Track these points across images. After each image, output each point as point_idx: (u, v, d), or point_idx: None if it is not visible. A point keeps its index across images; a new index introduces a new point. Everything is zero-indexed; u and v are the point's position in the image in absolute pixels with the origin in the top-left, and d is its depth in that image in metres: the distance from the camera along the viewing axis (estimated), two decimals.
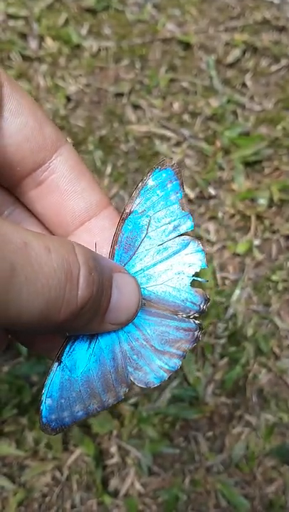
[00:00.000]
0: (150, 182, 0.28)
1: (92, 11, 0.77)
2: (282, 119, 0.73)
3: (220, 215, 0.67)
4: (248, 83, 0.76)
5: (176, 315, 0.28)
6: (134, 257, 0.28)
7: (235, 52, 0.77)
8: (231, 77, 0.76)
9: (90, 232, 0.27)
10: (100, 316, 0.23)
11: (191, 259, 0.28)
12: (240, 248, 0.65)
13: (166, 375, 0.27)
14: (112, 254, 0.28)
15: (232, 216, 0.67)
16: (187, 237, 0.29)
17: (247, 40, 0.78)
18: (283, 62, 0.77)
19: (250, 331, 0.61)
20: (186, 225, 0.28)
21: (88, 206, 0.27)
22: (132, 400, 0.56)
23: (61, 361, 0.26)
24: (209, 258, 0.65)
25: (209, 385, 0.58)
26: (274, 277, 0.64)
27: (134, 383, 0.27)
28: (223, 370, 0.59)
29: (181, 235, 0.29)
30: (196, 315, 0.28)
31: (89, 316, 0.22)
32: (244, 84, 0.76)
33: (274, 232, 0.67)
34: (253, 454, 0.56)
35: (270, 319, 0.62)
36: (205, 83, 0.74)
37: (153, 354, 0.27)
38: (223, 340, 0.60)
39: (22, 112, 0.24)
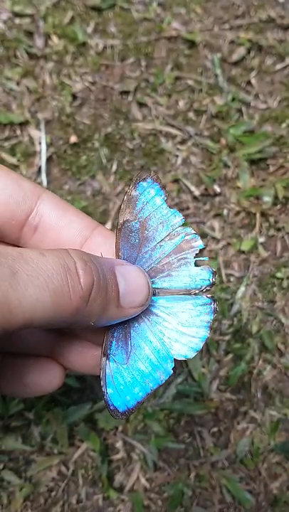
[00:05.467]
0: (134, 193, 0.31)
1: (97, 9, 0.78)
2: (286, 117, 0.73)
3: (225, 212, 0.67)
4: (253, 81, 0.76)
5: (190, 294, 0.31)
6: (138, 259, 0.31)
7: (240, 51, 0.77)
8: (236, 75, 0.76)
9: (89, 251, 0.31)
10: (113, 302, 0.26)
11: (189, 245, 0.31)
12: (245, 245, 0.65)
13: (199, 345, 0.30)
14: None
15: (237, 213, 0.67)
16: (179, 228, 0.32)
17: (252, 39, 0.78)
18: (288, 60, 0.78)
19: (254, 328, 0.61)
20: (177, 220, 0.32)
21: (80, 231, 0.31)
22: None
23: (108, 355, 0.29)
24: (214, 255, 0.65)
25: (214, 381, 0.58)
26: (279, 274, 0.64)
27: (175, 357, 0.30)
28: (228, 367, 0.59)
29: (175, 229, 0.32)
30: (208, 288, 0.31)
31: (101, 302, 0.25)
32: (249, 83, 0.76)
33: (279, 229, 0.67)
34: (258, 450, 0.56)
35: (274, 316, 0.62)
36: (210, 81, 0.75)
37: (181, 330, 0.30)
38: (227, 337, 0.60)
39: (0, 177, 0.30)
